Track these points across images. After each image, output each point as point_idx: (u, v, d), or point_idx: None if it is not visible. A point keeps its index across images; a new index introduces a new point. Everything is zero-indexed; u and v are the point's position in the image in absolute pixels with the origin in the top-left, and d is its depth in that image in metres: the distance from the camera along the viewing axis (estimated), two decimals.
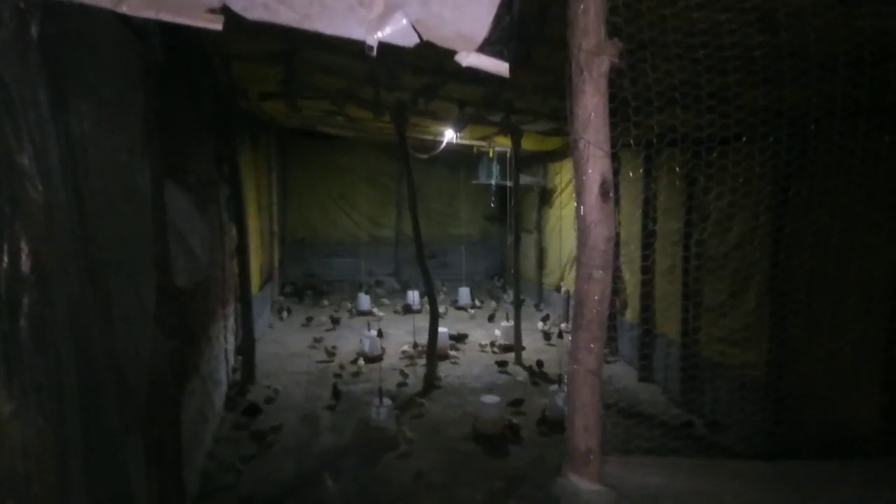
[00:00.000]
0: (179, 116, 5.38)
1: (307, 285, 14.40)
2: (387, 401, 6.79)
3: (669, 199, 7.81)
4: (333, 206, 14.87)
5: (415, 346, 9.83)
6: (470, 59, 1.88)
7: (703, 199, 7.12)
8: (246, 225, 8.29)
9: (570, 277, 11.40)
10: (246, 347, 8.24)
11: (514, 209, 9.42)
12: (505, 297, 14.23)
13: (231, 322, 8.25)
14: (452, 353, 9.79)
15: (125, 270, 2.22)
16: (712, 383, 7.02)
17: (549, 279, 12.71)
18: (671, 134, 7.56)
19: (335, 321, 11.53)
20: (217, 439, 6.46)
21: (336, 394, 7.88)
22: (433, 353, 8.45)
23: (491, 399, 6.92)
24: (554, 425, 6.95)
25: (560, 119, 7.37)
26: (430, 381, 8.34)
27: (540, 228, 13.18)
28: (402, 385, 8.44)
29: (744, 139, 6.41)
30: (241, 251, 8.19)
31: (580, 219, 1.80)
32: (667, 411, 7.48)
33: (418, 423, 7.18)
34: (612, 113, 6.38)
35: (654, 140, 8.02)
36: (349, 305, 12.90)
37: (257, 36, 5.28)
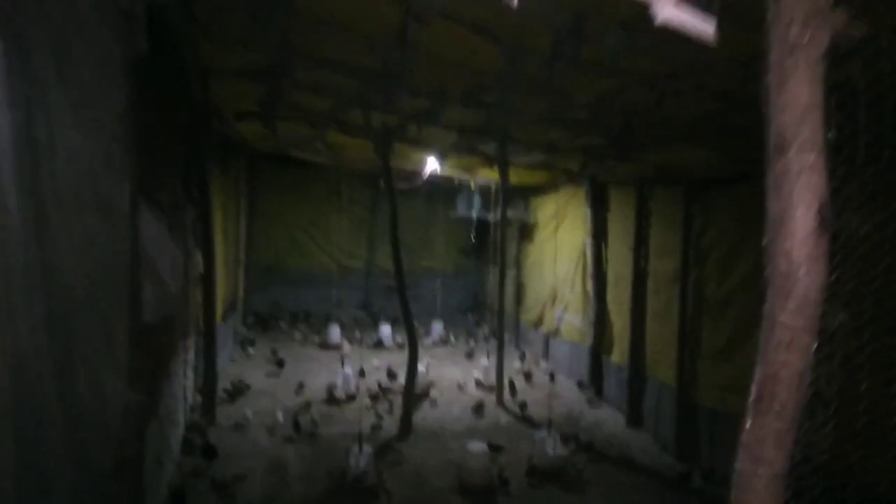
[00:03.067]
0: (152, 128, 4.85)
1: (272, 316, 13.66)
2: (367, 448, 6.19)
3: (664, 238, 7.58)
4: (303, 234, 14.25)
5: (382, 385, 9.25)
6: (666, 12, 1.44)
7: (702, 238, 6.90)
8: (213, 251, 7.67)
9: (550, 315, 11.06)
10: (207, 385, 7.52)
11: (500, 244, 9.06)
12: (480, 332, 13.76)
13: (191, 356, 7.55)
14: (432, 392, 9.22)
15: (94, 308, 1.72)
16: (711, 431, 6.68)
17: (527, 316, 12.34)
18: (669, 171, 7.41)
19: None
20: (173, 489, 5.73)
21: (297, 426, 7.38)
22: (411, 392, 7.89)
23: (477, 447, 6.41)
24: (545, 475, 6.47)
25: (555, 151, 7.10)
26: (408, 424, 7.77)
27: (519, 264, 12.85)
28: (376, 427, 7.83)
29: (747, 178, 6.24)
30: (207, 280, 7.55)
31: (777, 258, 1.18)
32: (660, 461, 7.11)
33: (397, 471, 6.59)
34: (613, 144, 6.14)
35: (650, 177, 7.88)
36: (316, 338, 12.21)
37: (246, 49, 4.85)
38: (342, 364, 9.02)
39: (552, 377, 9.64)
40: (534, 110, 5.20)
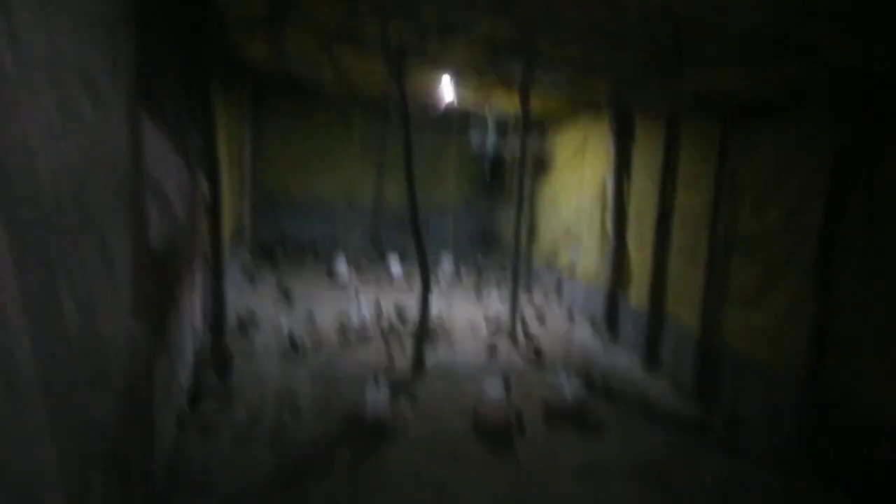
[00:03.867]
0: (151, 32, 4.34)
1: (279, 246, 13.37)
2: (384, 385, 5.99)
3: (695, 171, 7.14)
4: (308, 164, 13.74)
5: (392, 323, 9.05)
6: None
7: (737, 172, 6.47)
8: (219, 177, 7.24)
9: (565, 254, 10.74)
10: (217, 320, 7.26)
11: (520, 176, 8.61)
12: (491, 270, 13.50)
13: (198, 288, 7.28)
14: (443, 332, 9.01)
15: (83, 218, 1.36)
16: (734, 379, 6.47)
17: (540, 254, 12.04)
18: (706, 98, 6.88)
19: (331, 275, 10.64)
20: (182, 425, 5.56)
21: (293, 345, 7.60)
22: (424, 331, 7.67)
23: (494, 388, 6.21)
24: (562, 418, 6.31)
25: (588, 72, 6.55)
26: (421, 364, 7.58)
27: (532, 200, 12.42)
28: (389, 366, 7.66)
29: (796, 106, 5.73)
30: (214, 208, 7.16)
31: None
32: (680, 406, 6.94)
33: (413, 412, 6.43)
34: (655, 64, 5.58)
35: (684, 105, 7.35)
36: (325, 270, 11.95)
37: None
38: (356, 297, 8.77)
39: (571, 316, 9.42)
40: (574, 20, 4.66)
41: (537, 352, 8.32)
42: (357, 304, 8.74)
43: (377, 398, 5.78)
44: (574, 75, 6.77)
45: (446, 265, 12.62)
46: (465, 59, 6.67)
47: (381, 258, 13.01)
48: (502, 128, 10.87)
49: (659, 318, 7.79)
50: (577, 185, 10.33)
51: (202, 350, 7.25)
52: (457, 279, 12.67)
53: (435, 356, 8.10)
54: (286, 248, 13.37)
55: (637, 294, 8.42)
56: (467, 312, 10.26)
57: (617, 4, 4.02)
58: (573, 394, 6.35)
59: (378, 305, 9.39)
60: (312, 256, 13.17)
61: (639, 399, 7.04)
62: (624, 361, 8.33)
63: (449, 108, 10.47)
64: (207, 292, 7.48)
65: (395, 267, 11.90)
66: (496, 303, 9.54)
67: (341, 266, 11.72)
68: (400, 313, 9.33)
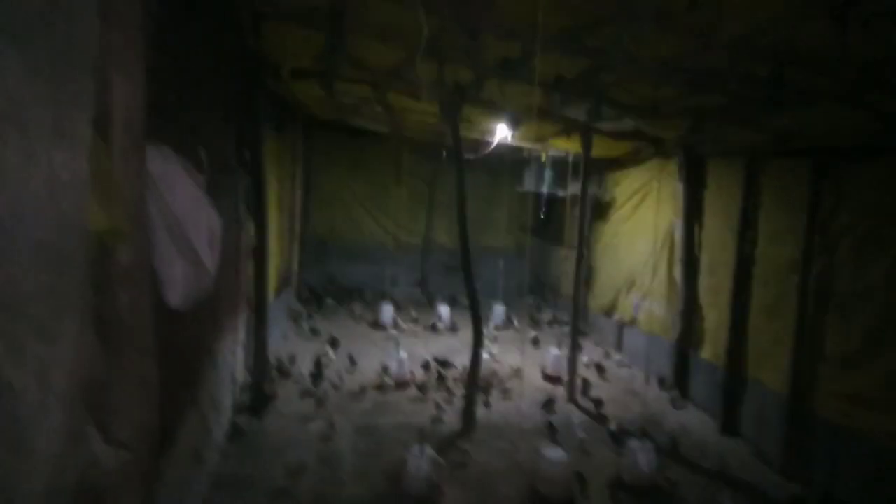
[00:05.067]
0: (193, 75, 4.14)
1: (327, 292, 13.15)
2: (428, 449, 5.47)
3: (780, 220, 6.45)
4: (359, 206, 13.58)
5: (441, 372, 8.53)
6: None
7: (831, 222, 5.76)
8: (266, 221, 7.04)
9: (626, 303, 10.04)
10: (259, 369, 6.95)
11: (581, 220, 8.08)
12: (543, 317, 12.84)
13: (241, 334, 7.00)
14: (496, 383, 8.42)
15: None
16: (830, 449, 5.63)
17: (597, 302, 11.34)
18: (792, 139, 6.26)
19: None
20: (217, 484, 5.18)
21: (318, 367, 7.52)
22: (475, 383, 7.12)
23: (556, 454, 5.58)
24: (633, 491, 5.60)
25: (655, 115, 6.06)
26: (470, 419, 7.02)
27: (590, 245, 11.81)
28: (436, 420, 7.13)
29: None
30: (259, 252, 6.93)
31: None
32: (765, 478, 6.11)
33: (460, 474, 5.86)
34: (722, 111, 5.01)
35: (766, 146, 6.75)
36: (368, 317, 11.58)
37: None
38: (397, 347, 8.33)
39: (632, 368, 8.66)
40: (651, 55, 4.21)
41: (598, 407, 7.63)
42: (397, 352, 8.27)
43: (420, 463, 5.25)
44: (644, 119, 6.28)
45: (498, 310, 12.05)
46: (524, 101, 6.29)
47: (430, 303, 12.57)
48: (560, 168, 10.41)
49: (738, 377, 7.00)
50: (639, 232, 9.69)
51: (241, 396, 6.94)
52: (510, 325, 12.07)
53: (486, 410, 7.53)
54: (333, 292, 13.13)
55: (711, 349, 7.65)
56: (521, 362, 9.64)
57: (702, 33, 3.55)
58: (647, 462, 5.65)
59: (422, 355, 8.91)
60: (360, 301, 12.84)
61: (717, 466, 6.23)
62: (695, 422, 7.52)
63: (502, 148, 10.11)
64: (251, 337, 7.19)
65: (444, 313, 11.40)
66: (552, 353, 8.89)
67: (387, 312, 11.33)
68: (446, 362, 8.79)
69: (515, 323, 12.21)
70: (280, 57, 6.58)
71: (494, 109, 7.20)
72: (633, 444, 5.79)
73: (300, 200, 10.81)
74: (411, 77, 6.14)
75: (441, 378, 8.26)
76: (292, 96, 9.12)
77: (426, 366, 8.77)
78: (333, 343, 9.26)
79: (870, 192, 5.42)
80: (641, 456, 5.63)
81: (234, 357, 6.60)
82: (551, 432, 6.31)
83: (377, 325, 11.23)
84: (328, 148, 13.20)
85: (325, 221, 13.67)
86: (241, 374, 7.11)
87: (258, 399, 6.83)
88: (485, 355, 8.31)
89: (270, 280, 8.87)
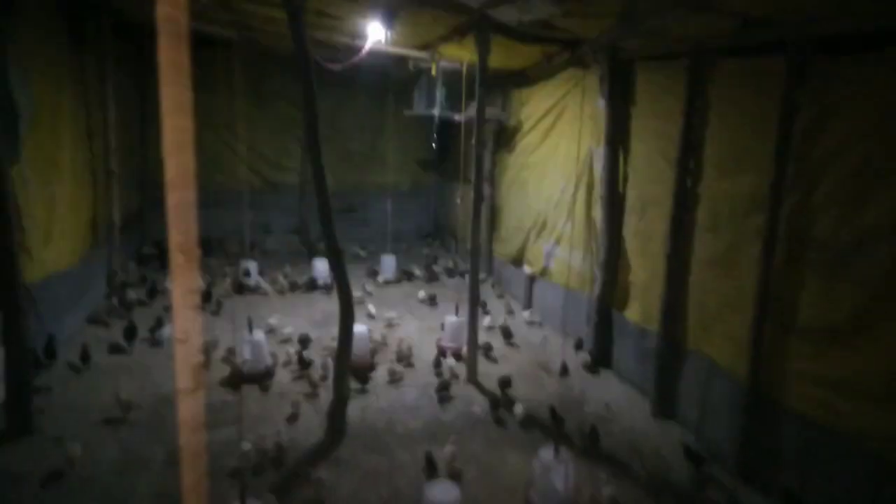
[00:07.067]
0: None
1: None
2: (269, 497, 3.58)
3: (736, 144, 4.83)
4: (215, 139, 10.86)
5: (302, 347, 6.60)
6: None
7: (812, 144, 4.19)
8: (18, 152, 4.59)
9: (537, 250, 8.41)
10: (13, 380, 4.68)
11: (476, 151, 6.10)
12: (440, 266, 11.05)
13: None
14: (379, 363, 6.58)
15: None
16: (802, 446, 4.29)
17: (504, 249, 9.67)
18: (759, 29, 4.53)
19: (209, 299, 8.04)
20: None
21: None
22: (343, 375, 5.23)
23: (444, 494, 3.86)
24: None
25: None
26: (337, 424, 5.19)
27: (494, 180, 10.01)
28: (291, 419, 5.30)
29: None
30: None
31: None
32: (712, 477, 4.74)
33: None
34: None
35: (717, 40, 5.01)
36: (230, 276, 9.30)
37: None
38: (249, 329, 6.24)
39: (543, 327, 7.09)
40: None
41: (504, 388, 6.03)
42: (253, 334, 6.23)
43: None
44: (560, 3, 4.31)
45: (388, 262, 10.13)
46: None
47: (311, 256, 10.40)
48: (455, 85, 8.35)
49: (676, 346, 5.56)
50: (551, 162, 7.96)
51: None
52: (403, 279, 10.22)
53: (365, 403, 5.75)
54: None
55: (641, 310, 6.17)
56: (413, 328, 7.87)
57: None
58: (568, 483, 4.06)
59: (305, 338, 6.89)
60: (223, 258, 10.44)
61: (653, 470, 4.80)
62: (621, 399, 6.11)
63: (383, 57, 7.91)
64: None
65: (323, 269, 9.32)
66: (449, 320, 7.14)
67: (251, 272, 9.12)
68: (303, 343, 6.79)
69: (416, 273, 10.36)
70: None
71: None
72: (544, 455, 4.16)
73: (116, 129, 8.12)
74: None
75: (303, 363, 6.30)
76: None
77: (302, 341, 6.77)
78: (159, 323, 6.96)
79: (864, 104, 3.85)
80: (555, 474, 4.03)
81: None
82: (429, 468, 4.58)
83: (240, 287, 9.01)
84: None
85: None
86: None
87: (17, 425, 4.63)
88: (361, 328, 6.43)
89: (61, 239, 6.41)
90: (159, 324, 6.88)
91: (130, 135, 9.54)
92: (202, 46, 9.73)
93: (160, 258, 9.90)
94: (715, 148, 5.08)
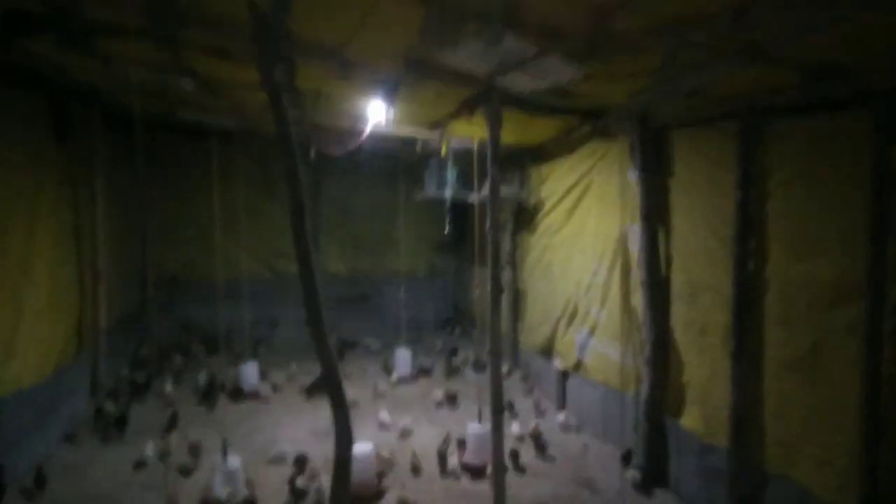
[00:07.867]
0: None
1: (179, 344, 9.88)
2: None
3: (810, 217, 3.96)
4: (218, 229, 10.24)
5: (298, 471, 5.57)
6: None
7: None
8: None
9: (567, 340, 7.44)
10: None
11: (491, 231, 5.28)
12: (460, 358, 10.01)
13: None
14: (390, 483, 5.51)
15: None
16: None
17: (531, 337, 8.70)
18: (839, 79, 3.71)
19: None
20: None
21: None
22: None
23: None
24: None
25: (594, 55, 3.42)
26: None
27: (515, 263, 9.19)
28: None
29: None
30: None
31: None
32: None
33: None
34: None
35: (776, 96, 4.23)
36: (228, 381, 8.41)
37: None
38: (224, 451, 5.27)
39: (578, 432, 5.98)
40: None
41: None
42: (227, 461, 5.26)
43: None
44: (574, 58, 3.62)
45: (403, 357, 9.18)
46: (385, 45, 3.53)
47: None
48: (467, 165, 7.72)
49: (753, 469, 4.46)
50: (580, 242, 7.14)
51: None
52: (420, 375, 9.22)
53: None
54: (187, 345, 9.91)
55: (703, 420, 5.09)
56: (430, 435, 6.81)
57: None
58: None
59: (288, 441, 5.92)
60: (227, 354, 9.62)
61: None
62: None
63: (389, 139, 7.36)
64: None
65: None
66: (472, 429, 6.10)
67: (250, 373, 8.25)
68: (298, 463, 5.78)
69: (430, 368, 9.36)
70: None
71: (343, 63, 4.42)
72: None
73: (102, 225, 7.56)
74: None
75: (295, 492, 5.26)
76: (72, 74, 6.05)
77: (298, 462, 5.76)
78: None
79: None
80: None
81: None
82: None
83: (238, 393, 8.14)
84: (168, 156, 10.02)
85: (173, 254, 10.45)
86: None
87: None
88: (364, 447, 5.44)
89: (29, 351, 5.68)
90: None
91: (129, 229, 9.04)
92: (199, 137, 9.42)
93: (161, 357, 9.15)
94: (781, 225, 4.21)
